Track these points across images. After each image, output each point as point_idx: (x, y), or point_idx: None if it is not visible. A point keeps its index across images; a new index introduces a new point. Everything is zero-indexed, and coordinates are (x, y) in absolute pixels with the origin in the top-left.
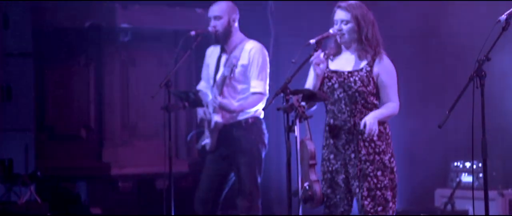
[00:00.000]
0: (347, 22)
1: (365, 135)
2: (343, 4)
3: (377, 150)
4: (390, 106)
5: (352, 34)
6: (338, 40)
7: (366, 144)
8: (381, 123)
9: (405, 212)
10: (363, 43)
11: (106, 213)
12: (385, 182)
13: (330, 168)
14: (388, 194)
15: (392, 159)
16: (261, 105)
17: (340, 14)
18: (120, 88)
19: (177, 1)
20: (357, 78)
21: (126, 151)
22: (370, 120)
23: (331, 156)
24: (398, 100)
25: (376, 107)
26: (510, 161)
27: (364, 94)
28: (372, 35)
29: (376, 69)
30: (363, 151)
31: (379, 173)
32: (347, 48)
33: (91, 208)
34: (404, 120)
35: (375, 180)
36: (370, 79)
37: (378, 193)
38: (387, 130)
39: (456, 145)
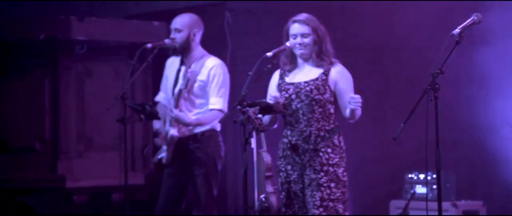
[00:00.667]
0: (307, 35)
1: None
2: (301, 18)
3: (331, 162)
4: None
5: (312, 46)
6: (297, 53)
7: (321, 154)
8: (335, 136)
9: None
10: (322, 54)
11: None
12: (338, 194)
13: (288, 179)
14: (340, 207)
15: (344, 173)
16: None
17: (299, 28)
18: (76, 100)
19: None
20: (313, 87)
21: (81, 164)
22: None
23: (289, 167)
24: None
25: (332, 116)
26: (463, 173)
27: (321, 102)
28: (327, 47)
29: (332, 77)
30: (318, 161)
31: (332, 184)
32: (305, 60)
33: None
34: (360, 132)
35: (328, 191)
36: (326, 87)
37: (331, 204)
38: (341, 144)
39: (410, 157)
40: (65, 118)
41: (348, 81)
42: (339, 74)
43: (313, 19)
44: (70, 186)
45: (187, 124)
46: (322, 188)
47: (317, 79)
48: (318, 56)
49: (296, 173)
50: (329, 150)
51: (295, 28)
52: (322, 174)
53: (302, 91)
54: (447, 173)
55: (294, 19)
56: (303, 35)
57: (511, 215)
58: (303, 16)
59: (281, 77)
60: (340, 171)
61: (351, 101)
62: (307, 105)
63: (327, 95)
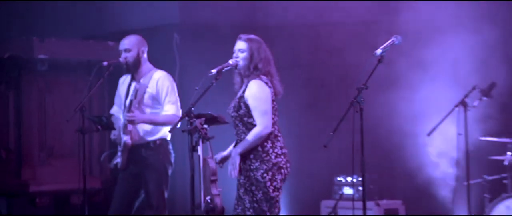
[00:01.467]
0: (243, 51)
1: (228, 173)
2: (243, 36)
3: (252, 167)
4: (252, 133)
5: (244, 62)
6: (235, 68)
7: (247, 161)
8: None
9: None
10: (250, 71)
11: None
12: (259, 195)
13: (237, 183)
14: (264, 205)
15: (265, 174)
16: (167, 128)
17: (239, 44)
18: (38, 113)
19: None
20: (232, 105)
21: (44, 170)
22: (232, 158)
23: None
24: (264, 121)
25: (254, 125)
26: (385, 175)
27: (238, 118)
28: (262, 67)
29: (246, 93)
30: (244, 168)
31: (253, 188)
32: (245, 77)
33: None
34: (295, 139)
35: (251, 194)
36: (241, 104)
37: (256, 205)
38: (266, 148)
39: (339, 162)
40: (28, 129)
41: (255, 99)
42: (249, 92)
43: (255, 40)
44: (33, 190)
45: (141, 121)
46: (248, 192)
47: (237, 97)
48: (248, 71)
49: (241, 178)
50: (251, 156)
51: (237, 44)
52: (246, 179)
53: (229, 107)
54: (371, 176)
55: (239, 36)
56: (240, 51)
57: (427, 214)
58: (246, 35)
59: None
60: (259, 174)
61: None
62: (232, 120)
63: (241, 112)
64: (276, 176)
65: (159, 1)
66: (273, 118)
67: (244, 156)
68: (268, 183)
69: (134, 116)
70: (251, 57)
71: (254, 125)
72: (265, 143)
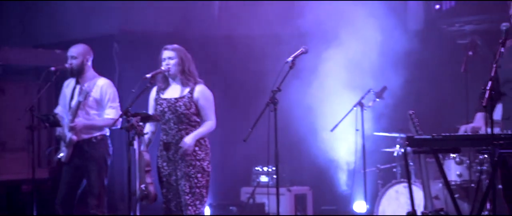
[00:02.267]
0: (172, 58)
1: (181, 152)
2: (169, 46)
3: (198, 157)
4: (207, 125)
5: (177, 67)
6: (167, 74)
7: (189, 153)
8: (201, 137)
9: (219, 206)
10: (185, 74)
11: None
12: (203, 182)
13: (164, 173)
14: (204, 191)
15: (208, 165)
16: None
17: (167, 53)
18: None
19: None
20: (181, 103)
21: None
22: (188, 140)
23: (164, 164)
24: (214, 118)
25: (198, 123)
26: (295, 166)
27: (188, 115)
28: (192, 70)
29: (195, 95)
30: (188, 158)
31: (199, 175)
32: (174, 79)
33: None
34: (220, 134)
35: (195, 180)
36: (191, 103)
37: (197, 190)
38: (206, 143)
39: (256, 154)
40: None
41: (207, 99)
42: (200, 94)
43: (179, 47)
44: None
45: (84, 127)
46: (191, 179)
47: (184, 97)
48: (183, 75)
49: (170, 168)
50: (196, 148)
51: (164, 53)
52: (191, 167)
53: (173, 106)
54: (283, 166)
55: (164, 47)
56: (169, 58)
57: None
58: (171, 45)
59: (158, 93)
60: (205, 164)
61: None
62: (177, 117)
63: (192, 110)
64: (210, 167)
65: (101, 14)
66: None
67: (187, 149)
68: (210, 173)
69: (76, 124)
70: (181, 62)
71: (197, 122)
72: (206, 139)
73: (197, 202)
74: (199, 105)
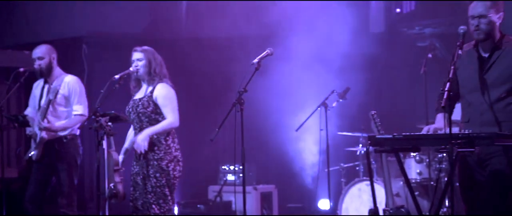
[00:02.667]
0: (141, 60)
1: (135, 146)
2: (138, 48)
3: (155, 157)
4: (165, 123)
5: (144, 68)
6: (135, 75)
7: (149, 151)
8: (161, 136)
9: (186, 204)
10: (152, 75)
11: None
12: (163, 181)
13: (132, 172)
14: (166, 190)
15: (169, 164)
16: (79, 124)
17: (136, 55)
18: None
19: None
20: (140, 103)
21: None
22: (139, 137)
23: (134, 163)
24: (174, 116)
25: (159, 121)
26: (261, 165)
27: (146, 114)
28: (159, 70)
29: (155, 94)
30: (147, 157)
31: (157, 174)
32: (143, 80)
33: None
34: (188, 134)
35: (154, 180)
36: (150, 102)
37: (158, 190)
38: (168, 142)
39: (223, 153)
40: None
41: (166, 97)
42: (158, 92)
43: (149, 50)
44: None
45: (55, 130)
46: (150, 178)
47: (144, 97)
48: (149, 77)
49: (138, 167)
50: (155, 148)
51: (134, 55)
52: (149, 167)
53: (135, 106)
54: (250, 165)
55: (134, 49)
56: (138, 60)
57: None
58: (140, 47)
59: (132, 94)
60: (164, 163)
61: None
62: (137, 116)
63: (150, 108)
64: (176, 167)
65: (70, 16)
66: None
67: (149, 148)
68: (171, 172)
69: (51, 125)
70: (149, 64)
71: (159, 121)
72: (167, 138)
73: (160, 201)
74: (158, 103)
